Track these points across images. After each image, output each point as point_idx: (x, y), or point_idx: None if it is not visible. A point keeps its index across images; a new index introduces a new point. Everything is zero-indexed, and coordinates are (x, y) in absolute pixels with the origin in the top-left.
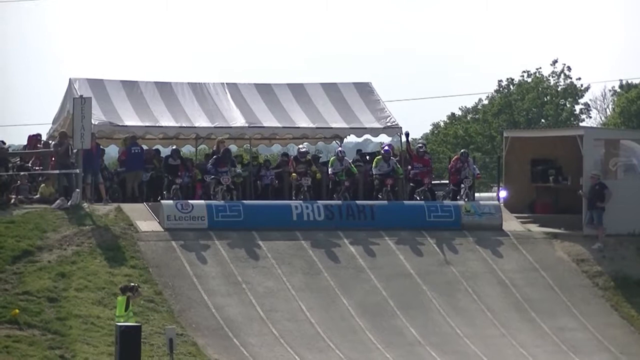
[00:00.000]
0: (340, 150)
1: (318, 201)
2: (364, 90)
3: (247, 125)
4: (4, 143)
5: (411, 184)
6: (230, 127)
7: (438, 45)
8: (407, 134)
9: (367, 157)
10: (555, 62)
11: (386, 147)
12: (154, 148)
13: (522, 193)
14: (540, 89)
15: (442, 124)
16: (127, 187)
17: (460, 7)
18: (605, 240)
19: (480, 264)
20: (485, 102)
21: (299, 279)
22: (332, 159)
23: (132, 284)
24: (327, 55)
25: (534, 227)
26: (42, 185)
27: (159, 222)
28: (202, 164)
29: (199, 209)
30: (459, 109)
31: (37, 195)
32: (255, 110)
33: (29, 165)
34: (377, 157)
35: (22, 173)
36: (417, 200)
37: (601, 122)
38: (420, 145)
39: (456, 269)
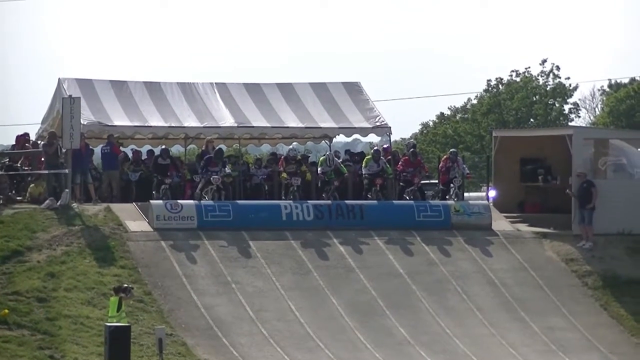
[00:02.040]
0: (330, 159)
1: (307, 201)
2: (353, 89)
3: (236, 125)
4: None
5: (401, 184)
6: (220, 127)
7: (427, 45)
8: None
9: (357, 157)
10: (544, 61)
11: (376, 149)
12: (148, 150)
13: (512, 192)
14: (529, 88)
15: (431, 123)
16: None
17: (449, 7)
18: (595, 240)
19: (469, 264)
20: (475, 101)
21: (289, 279)
22: (321, 158)
23: (125, 285)
24: (316, 54)
25: (523, 227)
26: (32, 185)
27: (148, 222)
28: (192, 163)
29: (189, 208)
30: (448, 108)
31: (27, 196)
32: (244, 110)
33: (18, 165)
34: (367, 157)
35: (1, 173)
36: (407, 199)
37: (590, 121)
38: (412, 149)
39: (445, 269)
